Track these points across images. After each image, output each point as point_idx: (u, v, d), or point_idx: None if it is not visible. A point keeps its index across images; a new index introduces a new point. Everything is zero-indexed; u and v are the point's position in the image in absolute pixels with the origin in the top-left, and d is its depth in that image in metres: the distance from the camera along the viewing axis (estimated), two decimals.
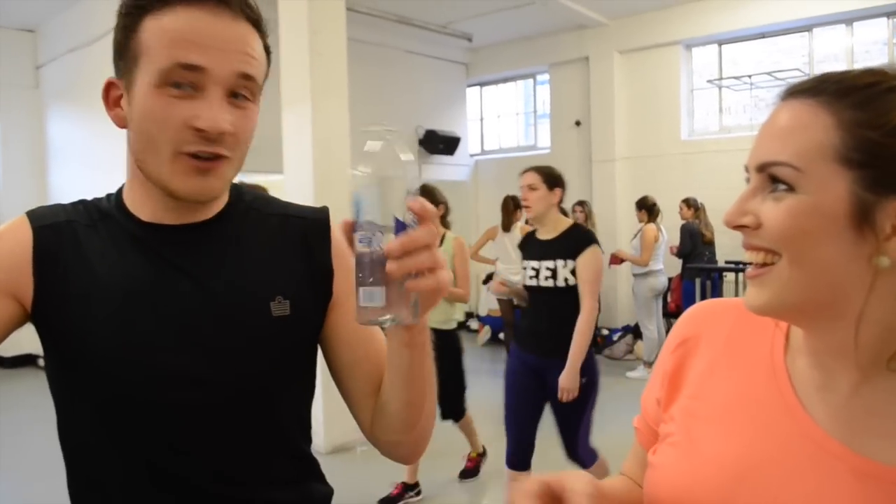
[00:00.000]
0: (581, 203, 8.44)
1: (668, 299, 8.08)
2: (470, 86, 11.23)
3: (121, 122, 1.01)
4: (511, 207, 7.49)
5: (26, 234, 1.00)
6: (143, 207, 1.04)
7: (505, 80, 11.25)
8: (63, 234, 1.01)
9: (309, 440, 1.15)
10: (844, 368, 0.80)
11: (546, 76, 10.49)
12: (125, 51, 0.97)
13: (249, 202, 1.13)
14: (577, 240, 3.46)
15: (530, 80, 11.00)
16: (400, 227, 0.82)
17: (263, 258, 1.08)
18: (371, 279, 0.82)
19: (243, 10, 0.97)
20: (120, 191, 1.08)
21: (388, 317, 0.83)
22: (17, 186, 8.19)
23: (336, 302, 1.11)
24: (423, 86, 10.16)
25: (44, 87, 8.60)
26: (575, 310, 3.42)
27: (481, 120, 11.58)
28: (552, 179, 3.53)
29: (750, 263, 0.80)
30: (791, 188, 0.75)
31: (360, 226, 0.83)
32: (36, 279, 0.98)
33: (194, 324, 1.00)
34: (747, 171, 0.82)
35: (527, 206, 3.54)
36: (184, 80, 0.92)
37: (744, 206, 0.79)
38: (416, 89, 10.04)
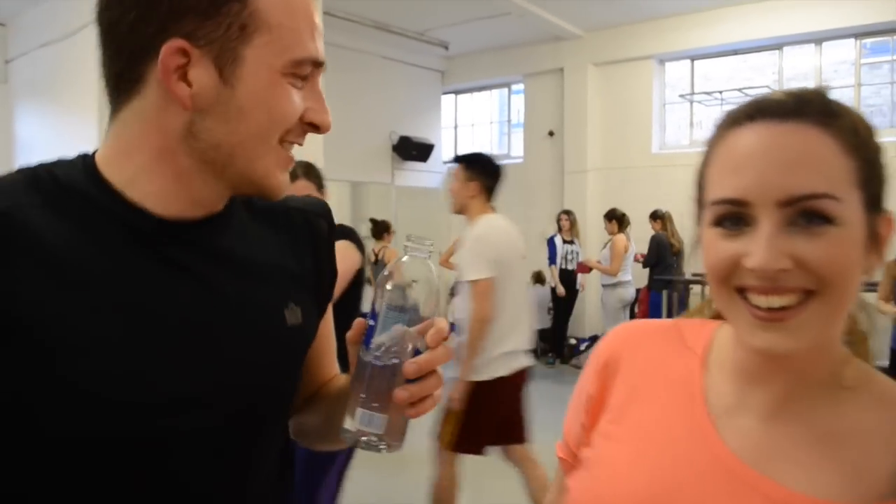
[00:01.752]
0: (567, 212, 8.53)
1: (636, 310, 8.15)
2: (445, 93, 11.24)
3: (187, 102, 0.78)
4: None
5: None
6: (157, 197, 0.81)
7: (480, 89, 11.28)
8: (9, 228, 0.73)
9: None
10: (768, 396, 0.79)
11: (521, 86, 10.54)
12: (220, 15, 0.76)
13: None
14: None
15: (505, 90, 11.05)
16: (416, 355, 0.80)
17: (273, 256, 0.94)
18: (375, 403, 0.78)
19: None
20: (93, 165, 0.83)
21: (380, 443, 0.79)
22: None
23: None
24: (399, 92, 10.15)
25: (13, 82, 8.46)
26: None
27: (455, 128, 11.60)
28: (320, 180, 2.96)
29: (781, 308, 0.71)
30: (829, 220, 0.70)
31: (380, 342, 0.78)
32: None
33: (203, 336, 0.82)
34: (742, 206, 0.73)
35: None
36: (307, 74, 0.83)
37: (778, 247, 0.70)
38: (392, 95, 10.04)
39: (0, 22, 8.38)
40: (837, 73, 8.06)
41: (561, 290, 8.35)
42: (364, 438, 0.79)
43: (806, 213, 0.70)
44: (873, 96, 7.89)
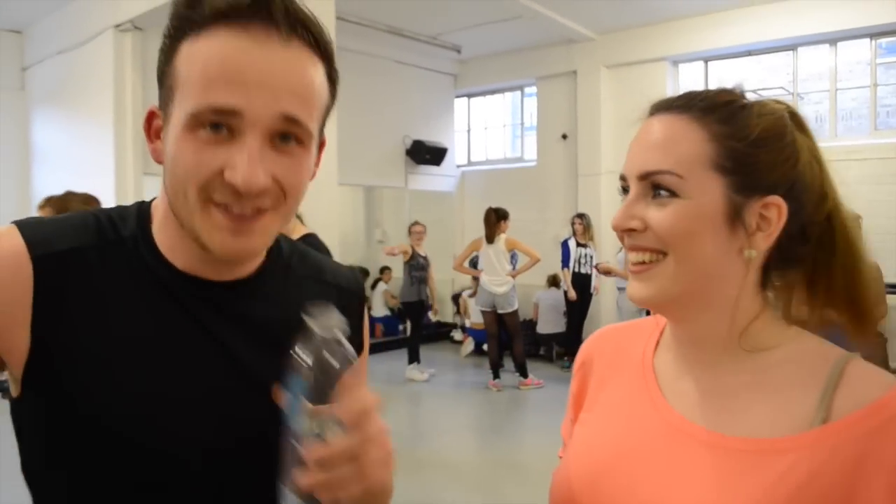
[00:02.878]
0: (581, 216, 8.50)
1: (652, 312, 8.10)
2: (458, 97, 11.26)
3: (158, 157, 0.85)
4: (493, 219, 7.54)
5: (24, 269, 0.79)
6: (177, 253, 0.87)
7: (493, 92, 11.28)
8: (69, 267, 0.82)
9: None
10: (698, 359, 0.92)
11: (534, 89, 10.53)
12: (163, 79, 0.82)
13: (287, 258, 0.99)
14: None
15: (518, 93, 11.04)
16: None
17: (295, 324, 0.87)
18: (288, 482, 0.73)
19: (297, 32, 0.78)
20: (147, 214, 0.91)
21: None
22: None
23: None
24: (412, 96, 10.18)
25: (29, 89, 8.54)
26: None
27: (468, 131, 11.60)
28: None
29: (641, 262, 0.88)
30: (674, 194, 0.85)
31: (291, 415, 0.73)
32: (34, 332, 0.79)
33: (218, 393, 0.87)
34: (624, 180, 0.91)
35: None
36: (217, 122, 0.77)
37: (630, 211, 0.88)
38: (405, 99, 10.06)
39: (16, 30, 8.47)
40: (853, 73, 8.00)
41: (572, 294, 8.30)
42: None
43: (655, 186, 0.86)
44: (889, 96, 7.82)
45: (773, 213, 0.85)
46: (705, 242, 0.84)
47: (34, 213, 0.82)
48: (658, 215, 0.85)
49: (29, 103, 8.50)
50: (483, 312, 7.84)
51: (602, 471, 0.92)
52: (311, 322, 0.73)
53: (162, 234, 0.88)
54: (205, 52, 0.77)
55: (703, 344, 0.91)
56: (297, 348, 0.73)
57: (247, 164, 0.76)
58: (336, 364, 0.73)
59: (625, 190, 0.92)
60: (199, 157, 0.77)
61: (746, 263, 0.87)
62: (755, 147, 0.85)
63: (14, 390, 0.85)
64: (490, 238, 7.55)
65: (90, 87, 7.03)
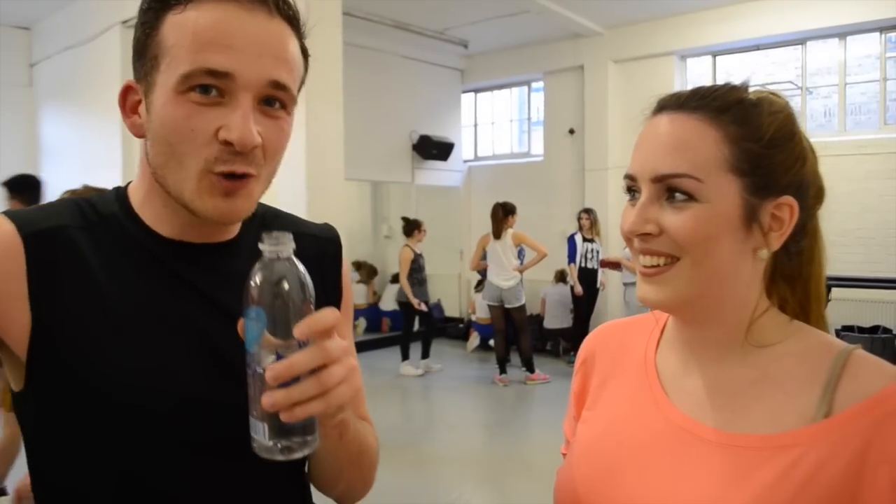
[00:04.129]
0: (587, 211, 8.47)
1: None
2: (465, 92, 11.25)
3: (138, 131, 0.89)
4: (500, 215, 7.53)
5: (15, 246, 0.83)
6: (162, 222, 0.91)
7: (500, 87, 11.27)
8: (57, 242, 0.85)
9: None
10: (702, 357, 0.92)
11: (541, 84, 10.51)
12: (144, 51, 0.85)
13: (261, 217, 1.03)
14: None
15: (525, 88, 11.02)
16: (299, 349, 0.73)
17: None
18: (255, 411, 0.73)
19: (279, 7, 0.85)
20: (125, 194, 0.95)
21: (276, 449, 0.74)
22: None
23: None
24: (419, 91, 10.18)
25: (37, 85, 8.57)
26: None
27: (475, 126, 11.59)
28: None
29: (654, 266, 0.86)
30: (691, 197, 0.83)
31: (251, 345, 0.73)
32: (33, 305, 0.82)
33: (217, 348, 0.89)
34: (632, 180, 0.89)
35: None
36: (208, 84, 0.80)
37: (645, 215, 0.86)
38: (412, 94, 10.06)
39: (24, 26, 8.49)
40: (862, 67, 7.96)
41: (579, 289, 8.28)
42: (263, 450, 0.75)
43: (671, 189, 0.84)
44: None
45: (786, 212, 0.85)
46: (722, 245, 0.84)
47: None
48: (676, 220, 0.83)
49: (37, 99, 8.53)
50: (490, 307, 7.84)
51: (607, 471, 0.92)
52: (262, 246, 0.73)
53: (146, 208, 0.92)
54: (195, 19, 0.81)
55: (709, 342, 0.91)
56: (251, 276, 0.73)
57: (240, 121, 0.81)
58: (287, 286, 0.73)
59: (630, 189, 0.90)
60: (192, 122, 0.81)
61: (759, 263, 0.87)
62: (770, 148, 0.84)
63: (16, 383, 0.87)
64: (497, 233, 7.55)
65: (98, 83, 7.05)
